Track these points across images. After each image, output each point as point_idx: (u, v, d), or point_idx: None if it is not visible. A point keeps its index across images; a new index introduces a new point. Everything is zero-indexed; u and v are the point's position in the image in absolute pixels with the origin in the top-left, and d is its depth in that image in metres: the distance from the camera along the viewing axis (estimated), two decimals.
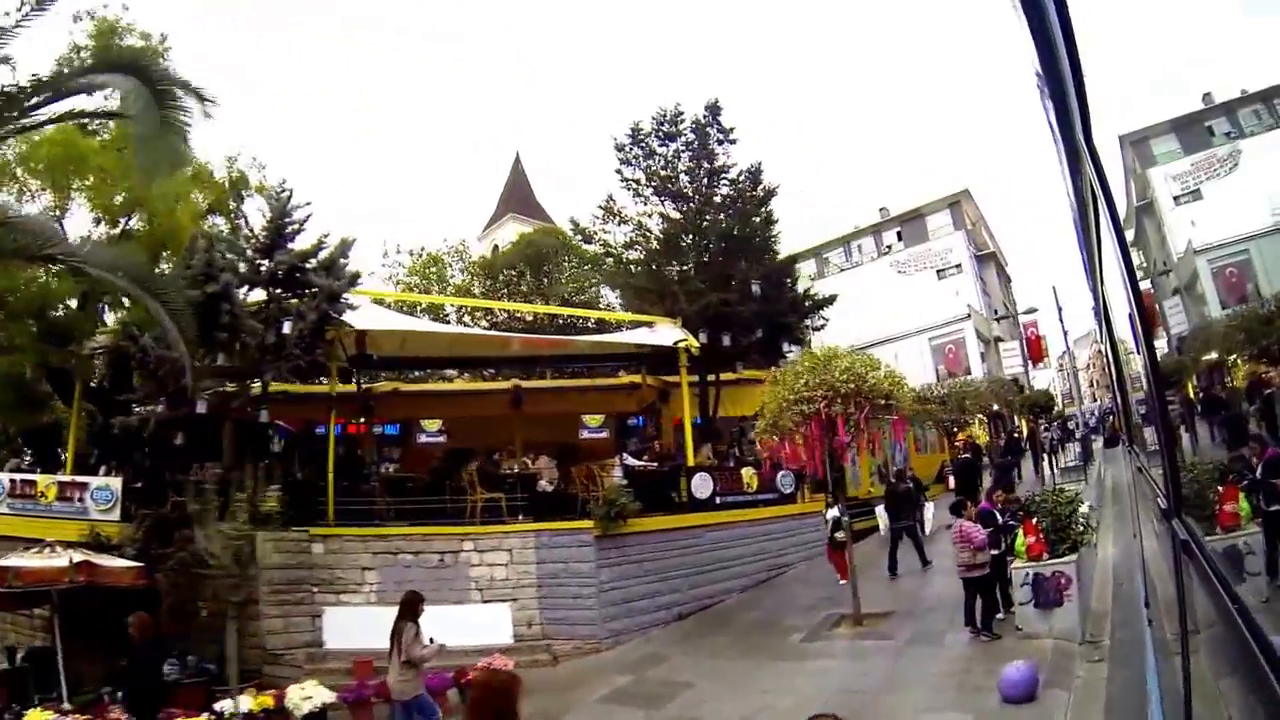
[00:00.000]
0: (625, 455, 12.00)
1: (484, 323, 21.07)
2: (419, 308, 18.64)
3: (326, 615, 9.15)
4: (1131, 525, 7.76)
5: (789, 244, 36.21)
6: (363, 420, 13.59)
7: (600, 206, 15.48)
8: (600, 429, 14.97)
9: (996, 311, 30.88)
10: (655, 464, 12.39)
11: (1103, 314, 4.51)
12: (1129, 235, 2.99)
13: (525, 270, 23.39)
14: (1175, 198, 2.62)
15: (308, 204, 10.18)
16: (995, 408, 25.54)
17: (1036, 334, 27.44)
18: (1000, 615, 7.56)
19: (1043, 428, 24.80)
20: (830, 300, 16.18)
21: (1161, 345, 2.80)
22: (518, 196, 37.30)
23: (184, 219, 11.64)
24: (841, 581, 9.64)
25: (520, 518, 10.24)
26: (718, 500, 11.45)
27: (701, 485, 11.34)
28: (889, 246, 32.70)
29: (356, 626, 8.78)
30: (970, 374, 27.36)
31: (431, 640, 5.70)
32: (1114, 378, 6.56)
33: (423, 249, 24.40)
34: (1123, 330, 3.94)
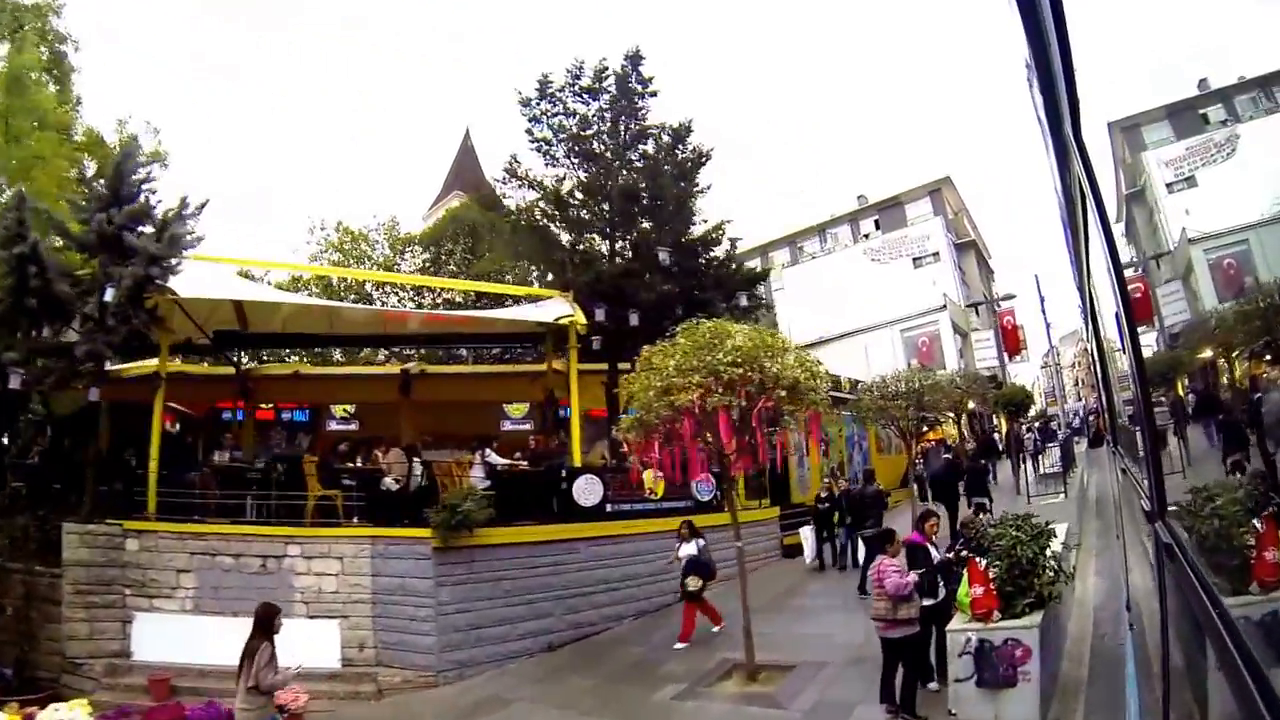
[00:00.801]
0: (487, 451, 10.99)
1: (398, 300, 20.88)
2: (311, 283, 18.57)
3: (137, 622, 8.72)
4: (1118, 547, 7.39)
5: (762, 232, 36.98)
6: (242, 403, 13.25)
7: (504, 169, 14.96)
8: (524, 419, 14.68)
9: (974, 297, 31.02)
10: (525, 463, 11.47)
11: (1089, 311, 4.93)
12: (1119, 227, 3.13)
13: (453, 247, 23.29)
14: (1169, 185, 2.70)
15: (153, 161, 9.91)
16: (971, 406, 24.86)
17: (1014, 323, 27.31)
18: (934, 686, 5.98)
19: (1023, 428, 24.52)
20: (762, 276, 15.85)
21: (1151, 342, 2.96)
22: (465, 174, 37.54)
23: (45, 183, 11.42)
24: (679, 645, 8.46)
25: (356, 520, 9.55)
26: (608, 509, 10.47)
27: (586, 490, 10.27)
28: (866, 235, 32.98)
29: (169, 637, 8.51)
30: (945, 369, 27.64)
31: (289, 666, 5.35)
32: (1099, 377, 6.98)
33: (339, 223, 23.91)
34: (1109, 328, 4.17)
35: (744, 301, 15.06)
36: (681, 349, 7.34)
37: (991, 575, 5.65)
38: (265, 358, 17.07)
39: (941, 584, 6.23)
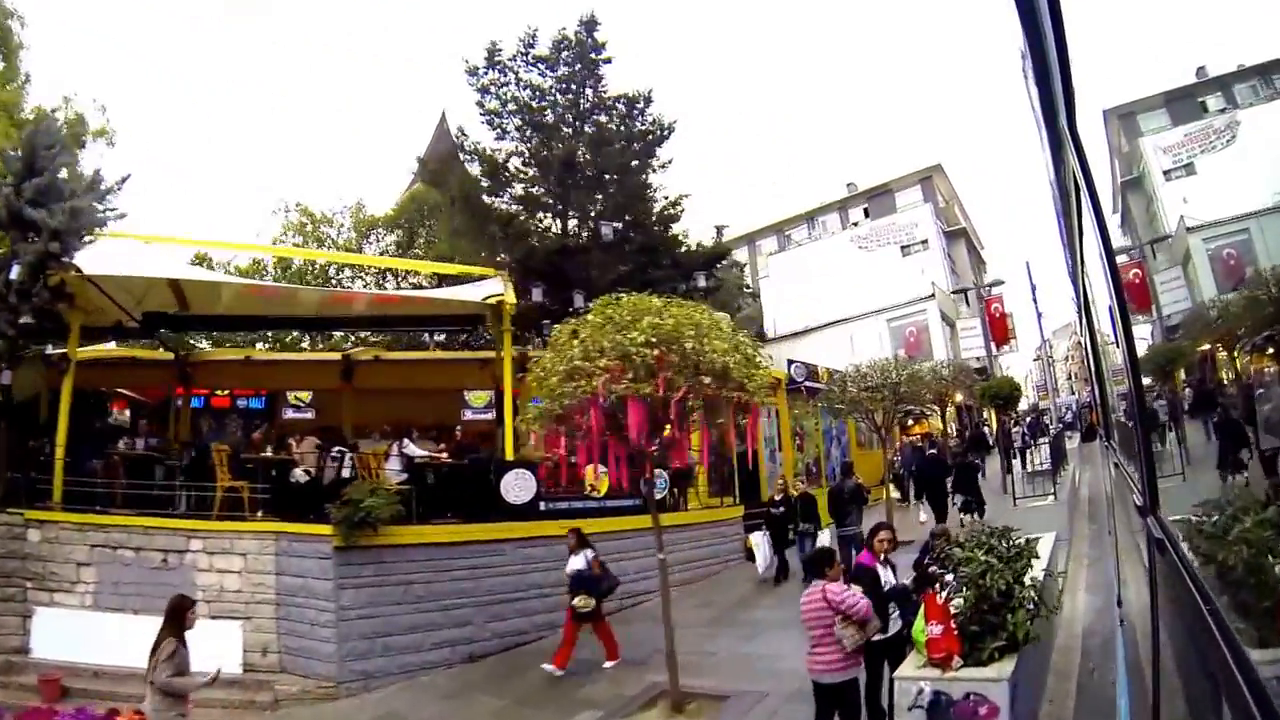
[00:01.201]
0: (405, 442, 10.29)
1: (363, 284, 20.82)
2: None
3: (37, 617, 8.56)
4: (1111, 556, 7.09)
5: (749, 221, 37.91)
6: (180, 389, 13.09)
7: (481, 151, 14.62)
8: (487, 408, 14.24)
9: (964, 286, 30.93)
10: (446, 455, 10.91)
11: (1083, 304, 5.12)
12: (1114, 218, 3.26)
13: (420, 229, 23.33)
14: (1166, 172, 2.75)
15: (98, 138, 9.66)
16: (960, 398, 24.73)
17: (1002, 311, 26.67)
18: None
19: (1011, 422, 24.28)
20: (723, 254, 15.63)
21: (1146, 335, 3.05)
22: (439, 157, 38.00)
23: None
24: (607, 665, 7.66)
25: (260, 515, 9.16)
26: (542, 507, 9.90)
27: (516, 486, 9.61)
28: (855, 223, 33.20)
29: (68, 634, 8.34)
30: (934, 360, 27.57)
31: (203, 672, 5.04)
32: (1092, 370, 7.65)
33: (299, 204, 23.78)
34: (1103, 321, 4.33)
35: (703, 282, 14.59)
36: (592, 326, 6.47)
37: (954, 610, 4.55)
38: (237, 342, 16.93)
39: (896, 613, 5.27)
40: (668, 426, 6.64)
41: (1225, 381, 2.25)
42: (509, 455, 10.38)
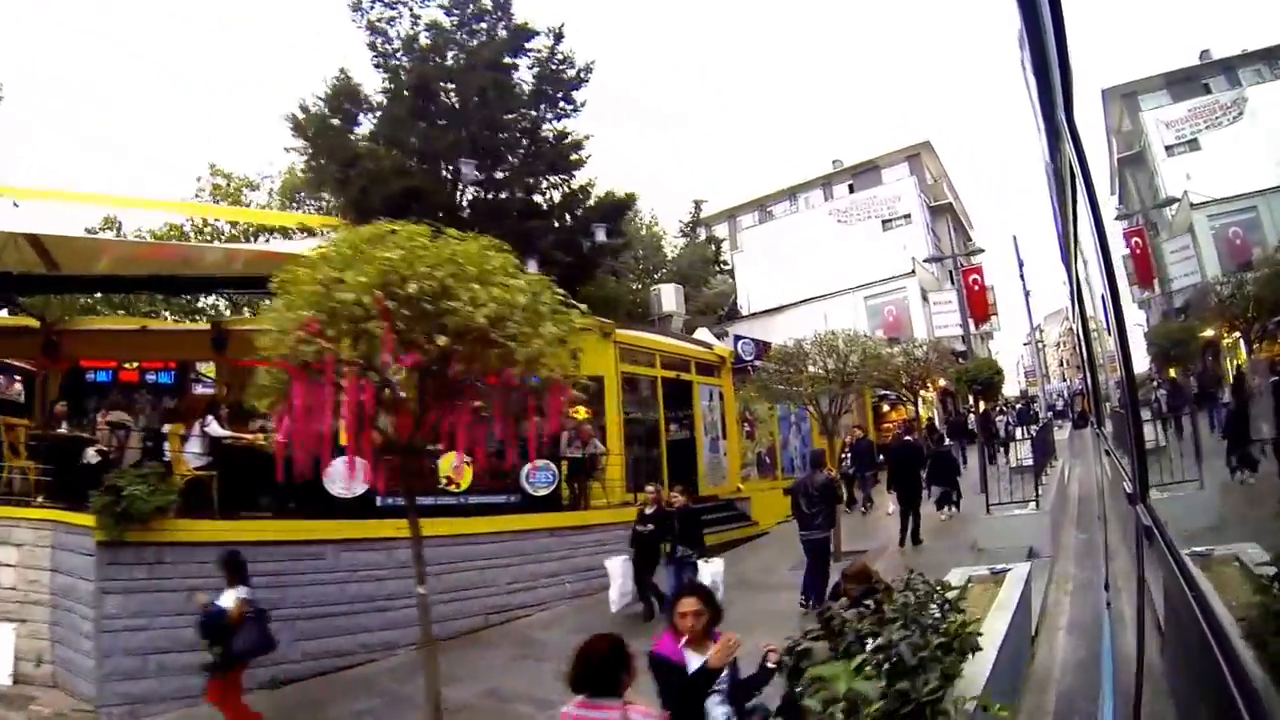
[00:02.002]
0: (208, 420, 9.15)
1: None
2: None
3: None
4: (1101, 579, 6.90)
5: (730, 198, 39.12)
6: (47, 362, 12.48)
7: (334, 83, 13.87)
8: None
9: (950, 267, 29.53)
10: (261, 436, 9.59)
11: (1075, 292, 5.44)
12: (1112, 200, 3.38)
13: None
14: (1169, 148, 2.85)
15: None
16: (943, 383, 24.64)
17: (981, 284, 25.65)
18: None
19: (997, 409, 24.38)
20: (627, 204, 14.74)
21: (1145, 313, 3.19)
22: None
23: None
24: None
25: (40, 500, 8.49)
26: (379, 502, 8.97)
27: (346, 476, 8.25)
28: (836, 197, 34.02)
29: None
30: (915, 339, 27.40)
31: None
32: (1084, 358, 8.18)
33: (213, 166, 23.07)
34: (1096, 309, 4.49)
35: (601, 236, 13.95)
36: (307, 270, 5.03)
37: None
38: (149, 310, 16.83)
39: None
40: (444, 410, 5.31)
41: (1230, 368, 2.35)
42: (343, 440, 8.95)
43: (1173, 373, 3.26)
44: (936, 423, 27.03)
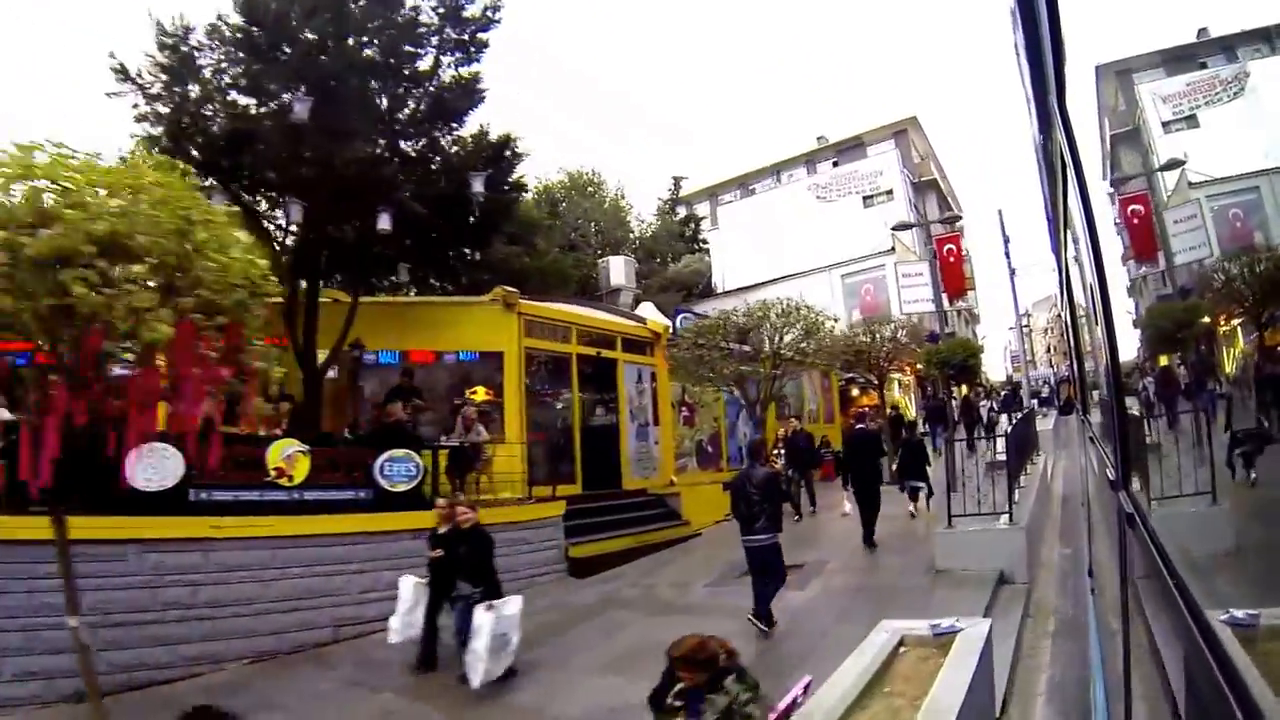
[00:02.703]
0: None
1: None
2: None
3: None
4: (1089, 607, 6.60)
5: (711, 175, 41.57)
6: None
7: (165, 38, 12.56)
8: (380, 365, 13.76)
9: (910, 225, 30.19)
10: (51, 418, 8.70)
11: (1064, 279, 5.83)
12: (1103, 184, 3.67)
13: None
14: (1165, 123, 3.11)
15: None
16: (920, 367, 24.77)
17: (958, 254, 24.91)
18: None
19: (980, 395, 25.45)
20: (503, 143, 13.61)
21: (1129, 306, 3.39)
22: None
23: None
24: None
25: None
26: (192, 496, 8.75)
27: (150, 467, 8.30)
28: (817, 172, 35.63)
29: None
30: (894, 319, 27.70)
31: None
32: (1071, 346, 8.31)
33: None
34: (1083, 297, 4.76)
35: (479, 186, 13.11)
36: None
37: None
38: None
39: None
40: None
41: (1230, 356, 2.63)
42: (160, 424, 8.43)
43: (1164, 360, 3.61)
44: (904, 408, 27.80)
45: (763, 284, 30.84)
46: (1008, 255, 26.95)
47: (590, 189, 36.91)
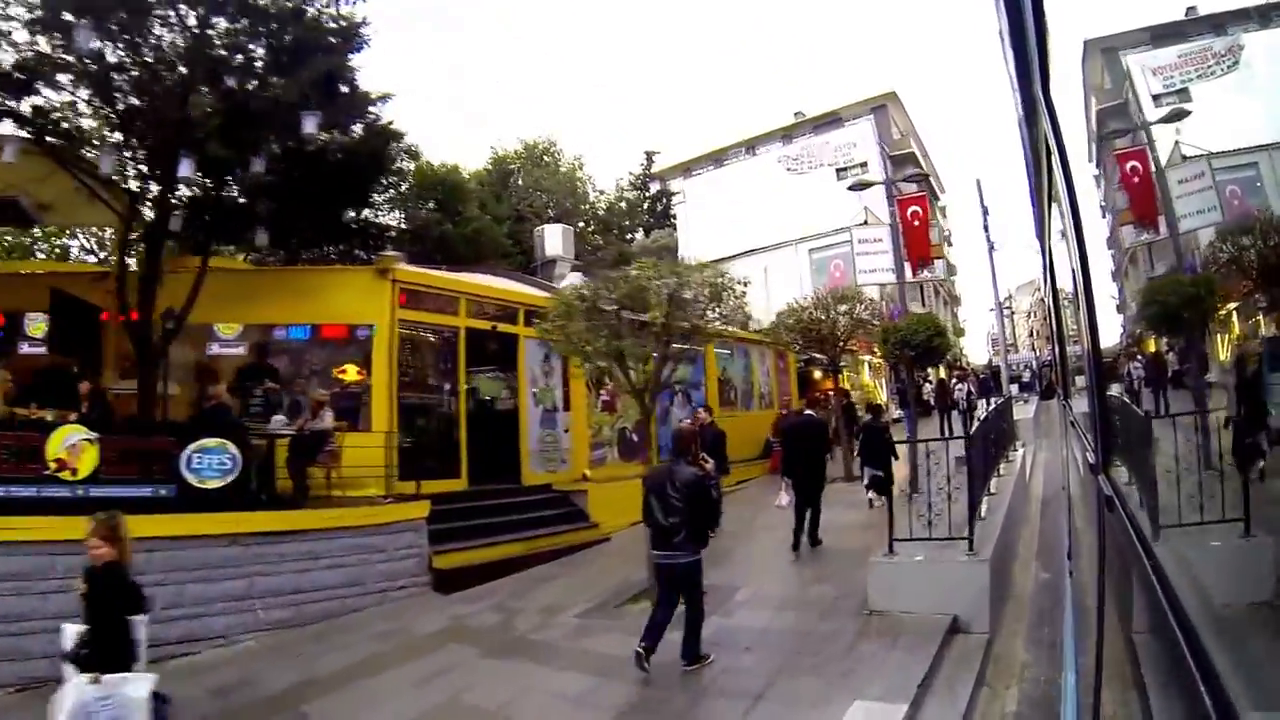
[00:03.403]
0: None
1: None
2: None
3: None
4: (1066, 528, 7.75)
5: (685, 151, 44.10)
6: None
7: None
8: (238, 341, 13.78)
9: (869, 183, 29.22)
10: None
11: (1048, 264, 6.30)
12: (1089, 166, 3.78)
13: None
14: (1155, 97, 3.13)
15: None
16: (873, 355, 26.00)
17: (923, 218, 23.81)
18: None
19: (954, 378, 26.51)
20: (362, 97, 13.47)
21: (1112, 291, 3.75)
22: None
23: None
24: None
25: None
26: None
27: None
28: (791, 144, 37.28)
29: None
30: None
31: None
32: (1054, 331, 8.90)
33: None
34: (1066, 282, 5.28)
35: (310, 128, 12.82)
36: None
37: None
38: None
39: None
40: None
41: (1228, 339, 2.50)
42: None
43: (1153, 344, 3.78)
44: (874, 392, 29.24)
45: (728, 258, 32.11)
46: (986, 229, 27.85)
47: (546, 158, 38.58)
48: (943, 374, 32.09)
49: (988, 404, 20.46)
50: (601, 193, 42.43)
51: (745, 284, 11.22)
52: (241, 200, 12.78)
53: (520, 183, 36.77)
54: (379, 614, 10.20)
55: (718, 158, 41.36)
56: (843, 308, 18.36)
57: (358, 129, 13.96)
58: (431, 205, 28.47)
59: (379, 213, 27.53)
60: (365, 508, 11.14)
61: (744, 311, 17.29)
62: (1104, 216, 4.31)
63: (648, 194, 44.40)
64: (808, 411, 13.38)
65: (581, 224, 35.78)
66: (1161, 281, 3.21)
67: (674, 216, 42.77)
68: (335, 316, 13.50)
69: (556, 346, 10.49)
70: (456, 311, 14.48)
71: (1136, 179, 3.23)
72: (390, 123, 15.06)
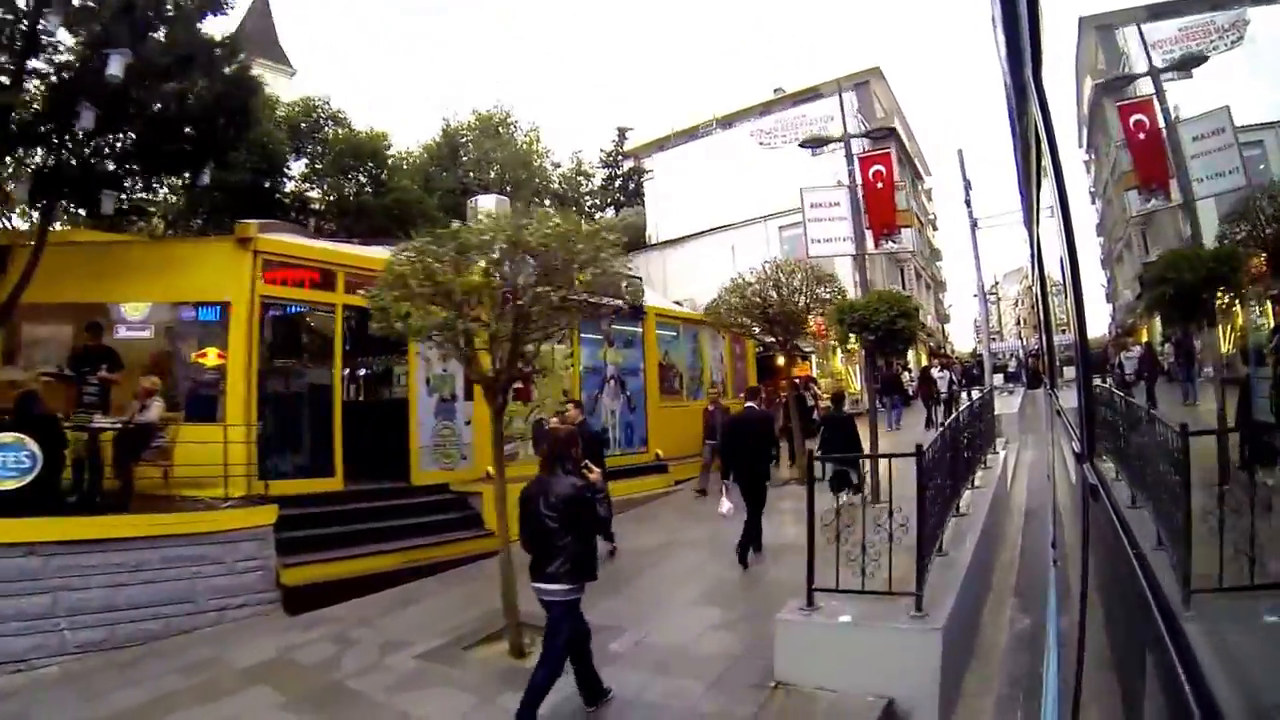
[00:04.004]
0: None
1: None
2: None
3: None
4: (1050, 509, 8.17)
5: (661, 128, 47.41)
6: None
7: None
8: (144, 325, 13.78)
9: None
10: None
11: (1036, 251, 6.68)
12: (1080, 152, 3.94)
13: None
14: (1154, 71, 3.12)
15: None
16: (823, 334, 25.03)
17: (888, 179, 21.84)
18: None
19: (938, 367, 27.43)
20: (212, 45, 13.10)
21: (1101, 279, 3.92)
22: (256, 38, 47.07)
23: None
24: None
25: None
26: None
27: None
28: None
29: None
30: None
31: None
32: (1041, 318, 9.28)
33: None
34: (1054, 270, 5.74)
35: (116, 69, 12.49)
36: None
37: None
38: None
39: None
40: None
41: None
42: None
43: (1144, 335, 3.89)
44: (847, 380, 30.47)
45: (695, 235, 35.54)
46: (968, 203, 28.71)
47: (501, 130, 39.73)
48: (925, 361, 32.42)
49: (968, 396, 20.53)
50: (557, 165, 43.51)
51: (616, 237, 9.62)
52: (74, 162, 12.51)
53: (471, 155, 38.03)
54: (208, 637, 9.77)
55: (693, 135, 43.60)
56: (796, 281, 18.46)
57: (205, 82, 13.70)
58: (363, 178, 29.64)
59: (310, 185, 29.53)
60: (197, 513, 10.69)
61: (623, 274, 16.90)
62: (1093, 202, 4.40)
63: (619, 171, 46.68)
64: (749, 404, 12.97)
65: (537, 199, 36.62)
66: (1173, 257, 3.09)
67: (645, 195, 44.64)
68: (191, 293, 13.16)
69: (376, 325, 9.58)
70: (334, 286, 14.03)
71: (1142, 135, 3.15)
72: (247, 68, 14.88)
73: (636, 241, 39.33)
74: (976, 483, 11.35)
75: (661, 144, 44.94)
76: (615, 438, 18.46)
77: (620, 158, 47.27)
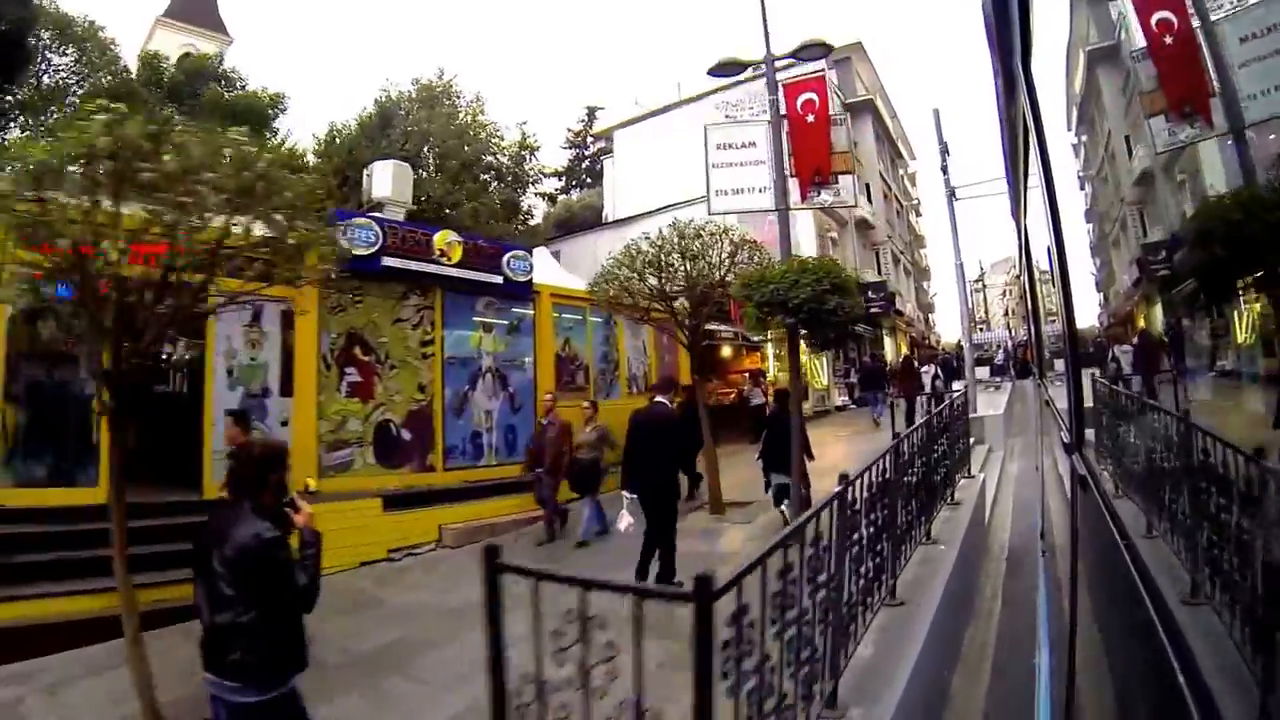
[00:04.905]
0: None
1: None
2: None
3: None
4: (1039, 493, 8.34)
5: (633, 108, 46.39)
6: None
7: None
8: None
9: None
10: None
11: (1024, 242, 7.00)
12: (1070, 135, 4.09)
13: None
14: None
15: None
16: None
17: (820, 110, 16.99)
18: None
19: (928, 358, 27.47)
20: None
21: (1091, 268, 4.06)
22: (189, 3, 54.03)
23: None
24: None
25: None
26: None
27: None
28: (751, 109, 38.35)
29: None
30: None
31: None
32: (1029, 309, 9.62)
33: None
34: (1042, 260, 5.90)
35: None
36: None
37: None
38: None
39: None
40: None
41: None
42: None
43: (1141, 322, 3.92)
44: (813, 374, 29.75)
45: (649, 213, 34.85)
46: (945, 170, 27.04)
47: (443, 101, 38.77)
48: (905, 351, 32.58)
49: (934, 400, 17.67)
50: (500, 138, 42.15)
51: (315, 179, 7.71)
52: None
53: (408, 128, 37.07)
54: None
55: (668, 111, 43.87)
56: (716, 255, 15.44)
57: None
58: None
59: None
60: None
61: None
62: (1082, 189, 4.44)
63: (587, 153, 47.21)
64: (658, 399, 10.99)
65: (485, 175, 37.15)
66: (1220, 206, 2.38)
67: (603, 172, 44.78)
68: None
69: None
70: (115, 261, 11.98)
71: (1169, 39, 2.51)
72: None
73: (594, 221, 40.76)
74: (944, 514, 8.77)
75: (631, 123, 45.71)
76: (490, 444, 16.34)
77: (589, 138, 47.84)
